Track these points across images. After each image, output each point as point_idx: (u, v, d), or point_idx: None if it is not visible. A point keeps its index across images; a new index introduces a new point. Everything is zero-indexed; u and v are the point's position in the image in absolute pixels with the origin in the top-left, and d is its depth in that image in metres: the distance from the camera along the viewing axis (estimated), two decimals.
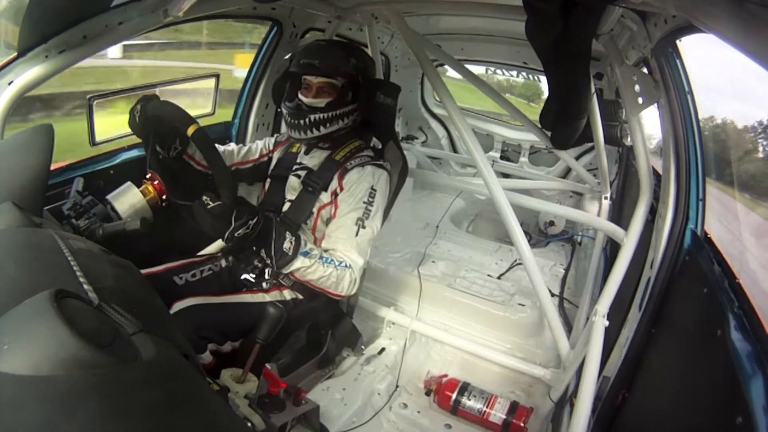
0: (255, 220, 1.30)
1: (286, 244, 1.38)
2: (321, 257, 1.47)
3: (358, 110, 1.67)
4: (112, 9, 1.38)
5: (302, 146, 1.77)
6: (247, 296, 1.58)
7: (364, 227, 1.56)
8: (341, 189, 1.62)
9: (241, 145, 1.86)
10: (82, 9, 1.33)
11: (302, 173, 1.71)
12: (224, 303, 1.50)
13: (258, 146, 1.88)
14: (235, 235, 1.26)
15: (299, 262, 1.41)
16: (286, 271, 1.43)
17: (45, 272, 0.65)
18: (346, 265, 1.50)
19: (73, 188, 1.34)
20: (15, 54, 1.29)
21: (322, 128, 1.62)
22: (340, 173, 1.63)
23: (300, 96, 1.64)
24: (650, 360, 1.36)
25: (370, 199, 1.59)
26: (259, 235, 1.33)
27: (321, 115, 1.60)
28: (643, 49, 1.51)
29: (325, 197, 1.64)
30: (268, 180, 1.82)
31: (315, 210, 1.65)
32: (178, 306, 1.39)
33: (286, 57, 2.20)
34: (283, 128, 1.77)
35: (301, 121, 1.60)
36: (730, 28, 0.80)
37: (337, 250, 1.53)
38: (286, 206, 1.72)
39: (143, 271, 1.15)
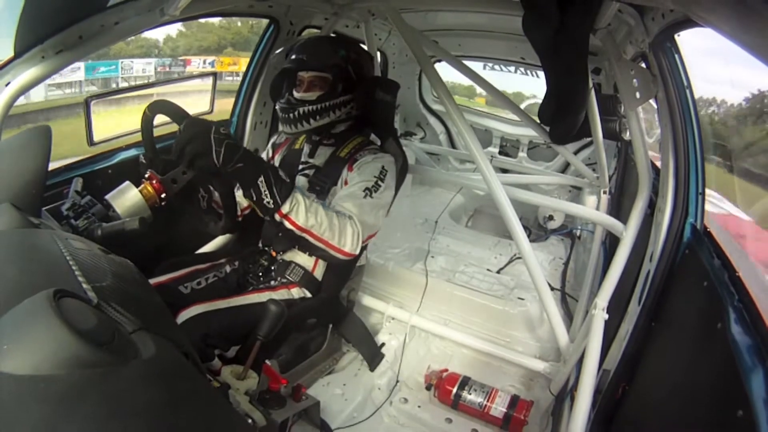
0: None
1: (281, 173, 1.33)
2: (319, 202, 1.40)
3: (352, 103, 1.65)
4: (108, 9, 1.37)
5: (305, 145, 1.76)
6: (254, 296, 1.54)
7: (371, 196, 1.52)
8: (351, 171, 1.61)
9: None
10: (77, 9, 1.32)
11: (310, 172, 1.70)
12: (230, 307, 1.46)
13: None
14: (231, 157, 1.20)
15: (300, 196, 1.33)
16: (287, 208, 1.31)
17: (43, 272, 0.65)
18: (347, 215, 1.45)
19: (72, 188, 1.33)
20: (11, 55, 1.29)
21: (312, 121, 1.60)
22: (350, 163, 1.62)
23: (293, 92, 1.64)
24: (650, 353, 1.36)
25: (381, 176, 1.58)
26: (253, 165, 1.27)
27: (310, 108, 1.59)
28: (641, 43, 1.51)
29: (337, 190, 1.63)
30: None
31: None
32: (184, 315, 1.37)
33: (279, 51, 2.18)
34: (280, 126, 1.77)
35: (291, 115, 1.60)
36: (727, 22, 0.80)
37: (338, 205, 1.49)
38: None
39: (150, 281, 1.14)
